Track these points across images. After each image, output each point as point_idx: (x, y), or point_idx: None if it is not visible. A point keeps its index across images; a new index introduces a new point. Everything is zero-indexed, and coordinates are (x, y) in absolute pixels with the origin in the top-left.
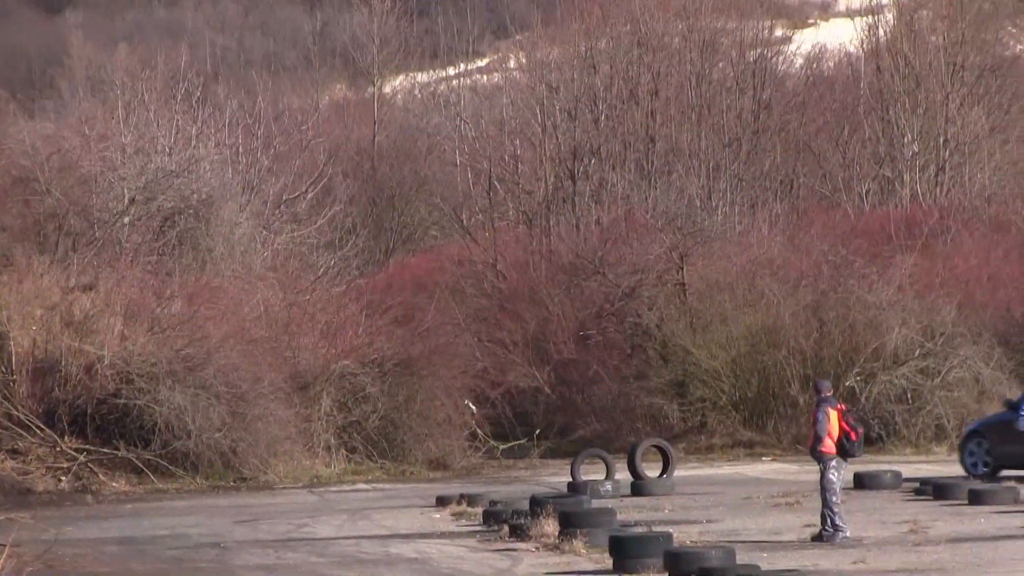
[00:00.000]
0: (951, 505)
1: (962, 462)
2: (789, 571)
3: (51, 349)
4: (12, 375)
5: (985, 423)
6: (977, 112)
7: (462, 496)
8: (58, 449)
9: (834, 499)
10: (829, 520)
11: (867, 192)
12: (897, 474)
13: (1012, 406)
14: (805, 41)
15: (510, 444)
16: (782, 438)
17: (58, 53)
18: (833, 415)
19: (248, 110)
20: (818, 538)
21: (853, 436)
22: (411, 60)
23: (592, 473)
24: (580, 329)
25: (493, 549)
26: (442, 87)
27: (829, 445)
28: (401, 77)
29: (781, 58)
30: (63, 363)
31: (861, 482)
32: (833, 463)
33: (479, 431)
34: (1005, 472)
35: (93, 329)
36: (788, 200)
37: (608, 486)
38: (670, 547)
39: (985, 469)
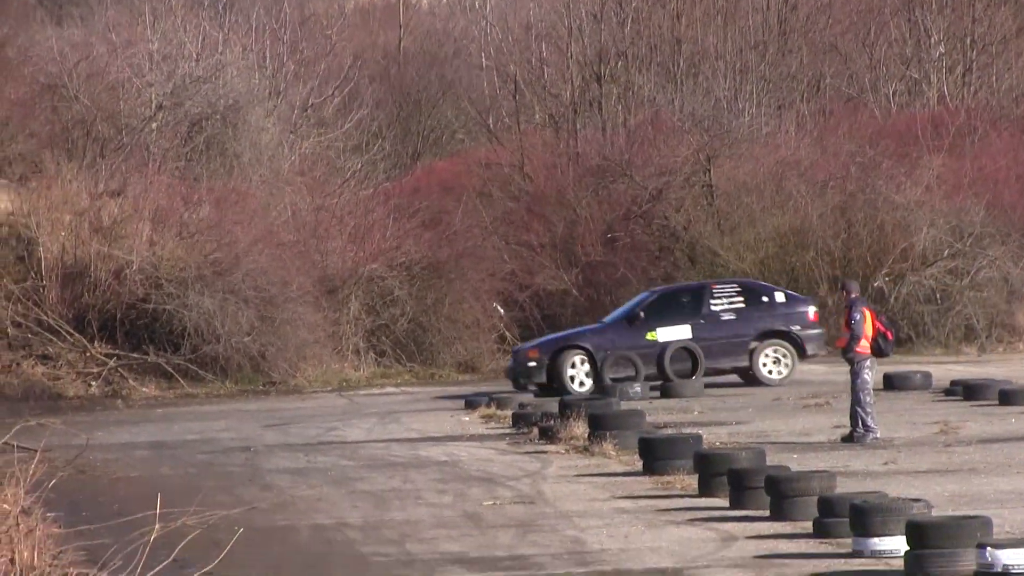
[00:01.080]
0: (981, 406)
1: None
2: (819, 472)
3: (80, 255)
4: (42, 281)
5: None
6: (1004, 12)
7: (491, 399)
8: (88, 354)
9: (867, 399)
10: (860, 421)
11: (894, 93)
12: (927, 375)
13: None
14: None
15: None
16: None
17: None
18: (868, 315)
19: (274, 15)
20: (848, 439)
21: (889, 336)
22: None
23: (621, 375)
24: (607, 231)
25: (523, 451)
26: None
27: (864, 346)
28: None
29: None
30: (92, 269)
31: (891, 383)
32: (867, 363)
33: (507, 333)
34: None
35: (122, 234)
36: (815, 101)
37: (637, 388)
38: (700, 448)
39: None
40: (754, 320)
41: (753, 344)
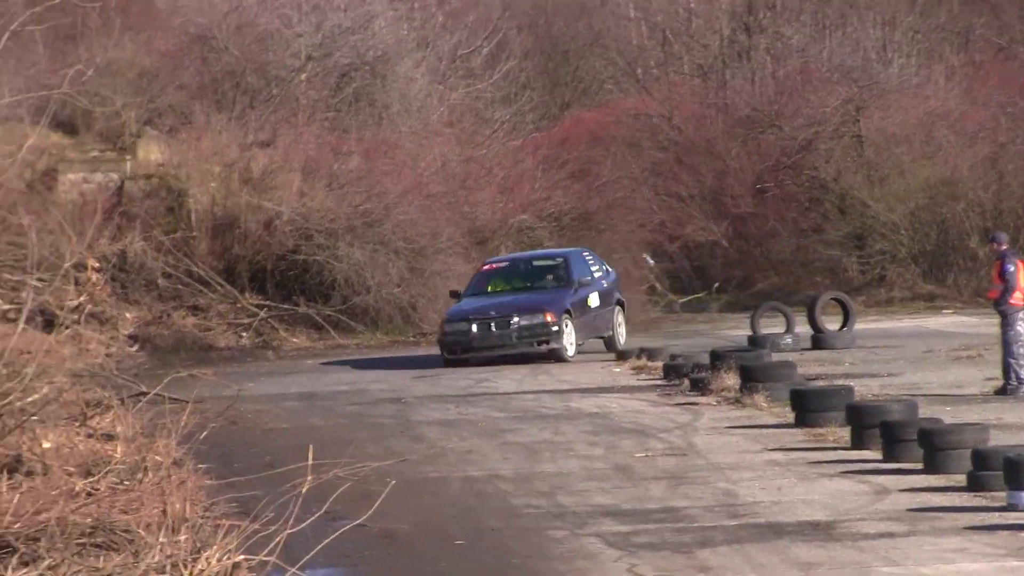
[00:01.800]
0: None
1: None
2: (973, 424)
3: (230, 206)
4: (192, 232)
5: None
6: None
7: (642, 350)
8: (239, 305)
9: (1020, 351)
10: (1013, 373)
11: None
12: None
13: None
14: None
15: (689, 297)
16: (962, 291)
17: None
18: (1020, 266)
19: None
20: (1001, 391)
21: None
22: None
23: (771, 326)
24: (757, 182)
25: (674, 403)
26: None
27: (1018, 298)
28: None
29: None
30: (242, 220)
31: None
32: (1020, 315)
33: (657, 285)
34: None
35: (271, 186)
36: (964, 52)
37: (788, 339)
38: (851, 401)
39: None
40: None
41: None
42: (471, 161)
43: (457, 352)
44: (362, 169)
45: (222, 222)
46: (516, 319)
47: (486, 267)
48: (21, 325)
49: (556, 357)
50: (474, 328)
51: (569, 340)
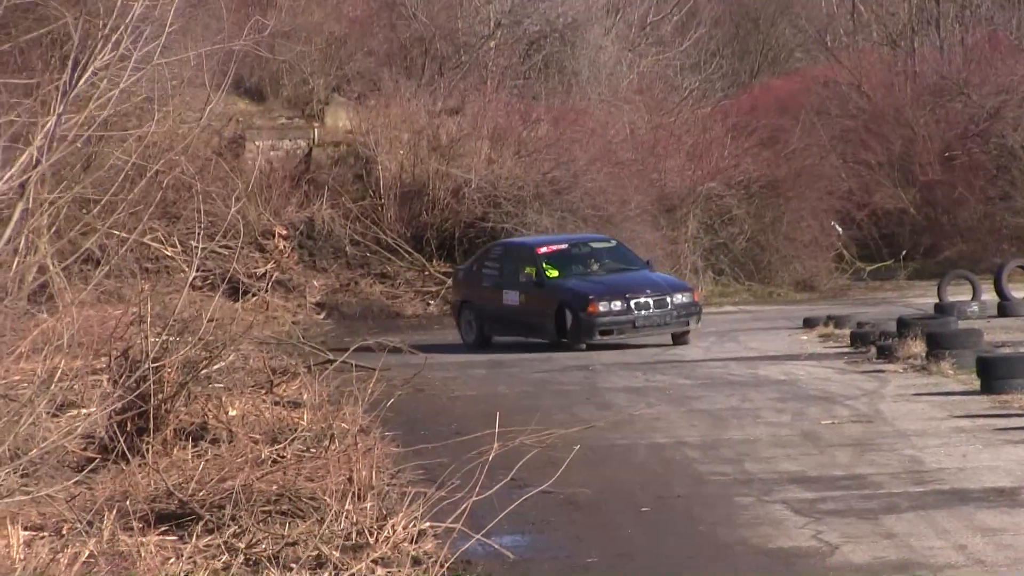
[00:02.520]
0: None
1: None
2: None
3: (418, 173)
4: (380, 199)
5: None
6: None
7: (829, 318)
8: (426, 273)
9: None
10: None
11: None
12: None
13: None
14: None
15: (876, 265)
16: None
17: None
18: None
19: None
20: None
21: None
22: None
23: (958, 294)
24: (945, 150)
25: (860, 371)
26: None
27: None
28: None
29: None
30: (430, 187)
31: None
32: None
33: (845, 252)
34: None
35: (460, 153)
36: None
37: (975, 307)
38: None
39: None
40: None
41: None
42: (660, 128)
43: (612, 333)
44: (550, 136)
45: (410, 189)
46: (672, 297)
47: (542, 249)
48: (187, 288)
49: (682, 341)
50: (632, 307)
51: None
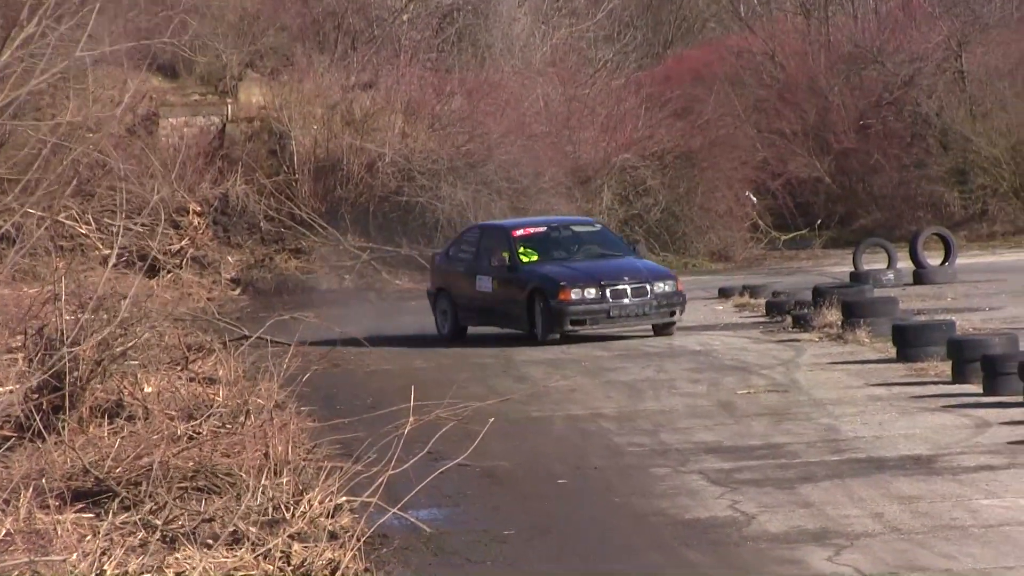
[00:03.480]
0: None
1: None
2: None
3: (332, 148)
4: (294, 175)
5: None
6: None
7: (744, 287)
8: (341, 248)
9: None
10: None
11: None
12: None
13: None
14: None
15: (791, 235)
16: None
17: None
18: None
19: None
20: None
21: None
22: None
23: (874, 262)
24: (860, 118)
25: (776, 340)
26: None
27: None
28: None
29: None
30: (344, 162)
31: None
32: None
33: (760, 222)
34: None
35: (374, 127)
36: None
37: (890, 275)
38: (953, 335)
39: None
40: None
41: None
42: (574, 101)
43: (585, 323)
44: (464, 110)
45: (324, 164)
46: (652, 286)
47: (518, 232)
48: (110, 266)
49: (666, 333)
50: (608, 295)
51: None
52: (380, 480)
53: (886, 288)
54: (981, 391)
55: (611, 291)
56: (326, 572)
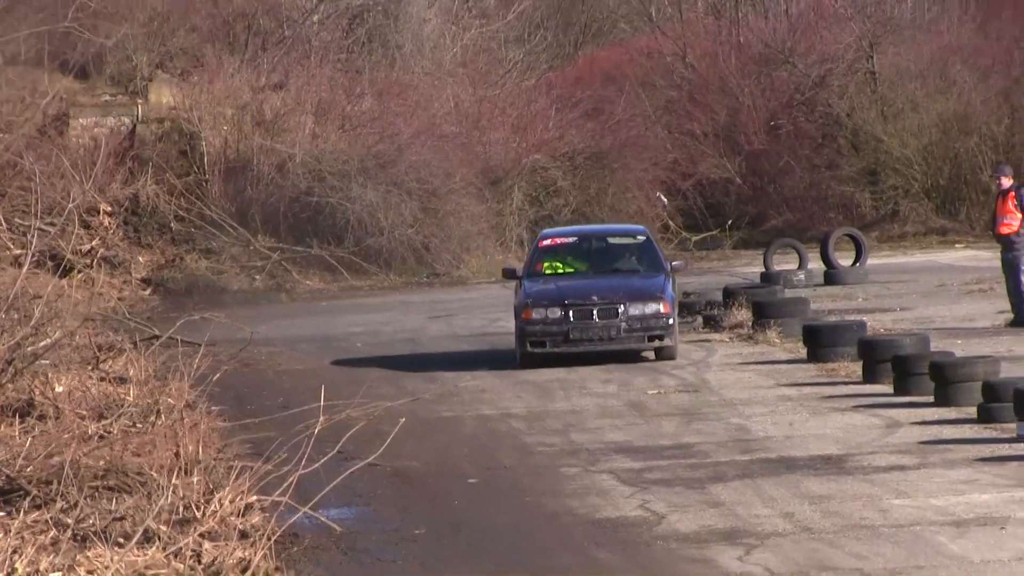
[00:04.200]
0: None
1: None
2: (984, 357)
3: (243, 149)
4: (204, 175)
5: None
6: None
7: None
8: (251, 248)
9: None
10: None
11: None
12: None
13: None
14: None
15: (702, 235)
16: (974, 225)
17: None
18: None
19: None
20: (1018, 323)
21: None
22: None
23: (785, 263)
24: (770, 119)
25: (687, 340)
26: None
27: None
28: None
29: None
30: (255, 162)
31: None
32: None
33: (671, 223)
34: None
35: (284, 128)
36: None
37: (801, 276)
38: (864, 335)
39: None
40: None
41: None
42: (484, 101)
43: (545, 345)
44: (375, 110)
45: (235, 165)
46: (625, 307)
47: (545, 242)
48: (26, 267)
49: (666, 356)
50: (571, 316)
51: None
52: (291, 479)
53: (797, 289)
54: (892, 391)
55: (575, 311)
56: (237, 571)
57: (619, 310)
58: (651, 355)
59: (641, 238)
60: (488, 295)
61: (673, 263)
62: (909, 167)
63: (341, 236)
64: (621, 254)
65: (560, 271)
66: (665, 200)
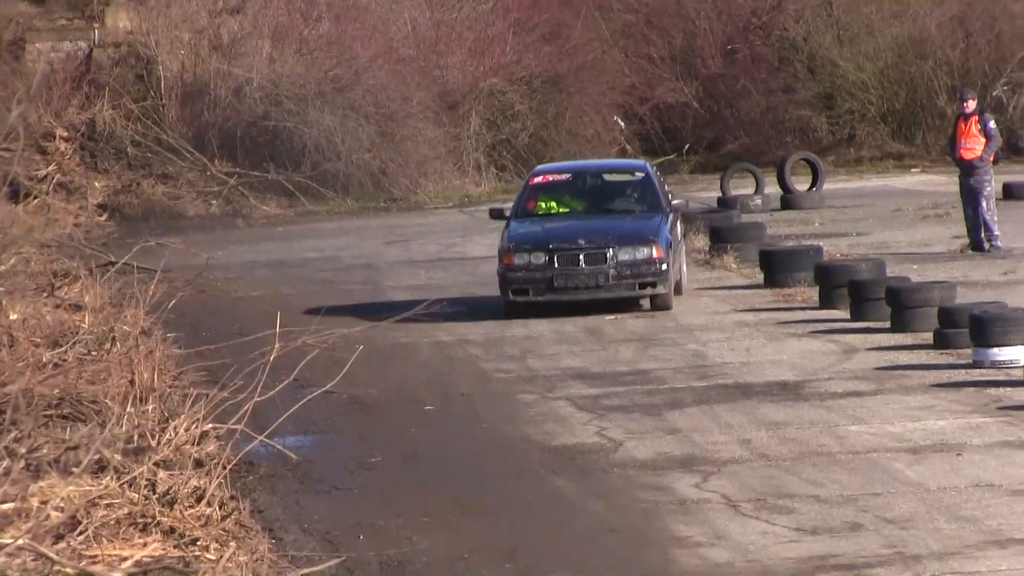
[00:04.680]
0: None
1: None
2: (939, 283)
3: (199, 73)
4: (161, 100)
5: None
6: None
7: None
8: (208, 173)
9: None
10: (990, 231)
11: None
12: None
13: None
14: None
15: (659, 160)
16: (930, 149)
17: None
18: None
19: None
20: (977, 248)
21: None
22: None
23: (741, 187)
24: (727, 44)
25: None
26: None
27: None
28: None
29: None
30: (212, 87)
31: (1011, 192)
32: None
33: (628, 147)
34: None
35: (241, 52)
36: None
37: (758, 200)
38: (820, 260)
39: None
40: None
41: None
42: (441, 25)
43: (528, 293)
44: (332, 34)
45: (192, 89)
46: (613, 251)
47: (537, 179)
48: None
49: (661, 306)
50: (556, 261)
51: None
52: (246, 407)
53: (754, 213)
54: (848, 317)
55: (559, 256)
56: (192, 500)
57: (607, 255)
58: (646, 303)
59: (640, 174)
60: (445, 220)
61: (674, 202)
62: (865, 91)
63: (298, 161)
64: (619, 192)
65: (562, 211)
66: (622, 124)
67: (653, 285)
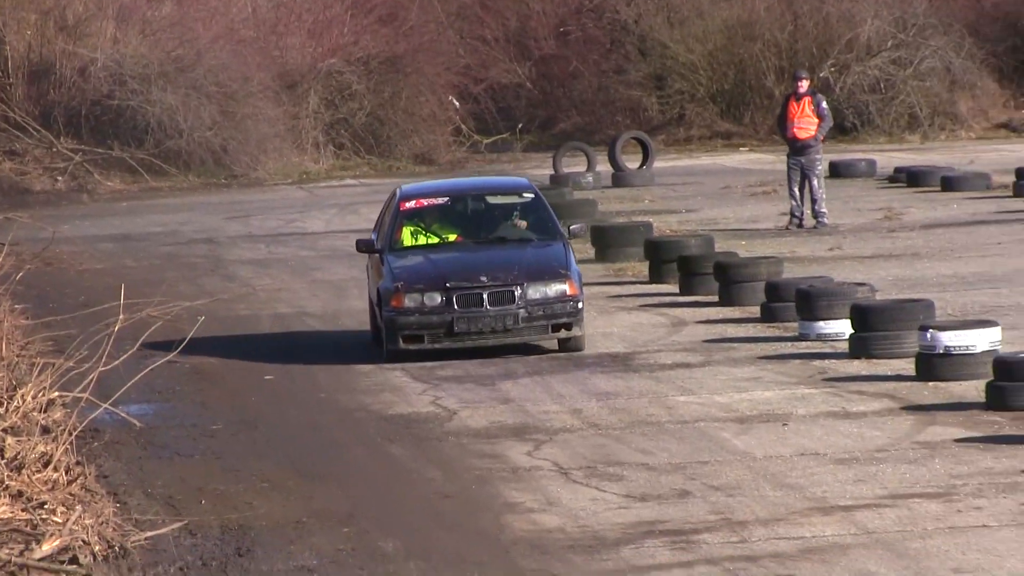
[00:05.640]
0: (924, 192)
1: None
2: (767, 258)
3: (46, 52)
4: (8, 78)
5: None
6: None
7: None
8: (54, 150)
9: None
10: (820, 209)
11: None
12: (872, 162)
13: None
14: None
15: (493, 138)
16: (758, 129)
17: None
18: None
19: None
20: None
21: None
22: None
23: (573, 165)
24: (560, 25)
25: None
26: None
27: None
28: None
29: None
30: (58, 66)
31: (836, 171)
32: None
33: (463, 126)
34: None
35: (86, 32)
36: None
37: (589, 178)
38: (650, 236)
39: None
40: None
41: None
42: (281, 7)
43: (423, 340)
44: (174, 16)
45: (38, 68)
46: (523, 288)
47: (409, 203)
48: None
49: (573, 348)
50: (455, 302)
51: None
52: (91, 376)
53: (585, 191)
54: (678, 291)
55: (459, 297)
56: (39, 465)
57: (515, 293)
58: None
59: (528, 195)
60: (285, 197)
61: (572, 227)
62: (695, 72)
63: (142, 138)
64: (506, 216)
65: (432, 241)
66: (457, 104)
67: (568, 327)
